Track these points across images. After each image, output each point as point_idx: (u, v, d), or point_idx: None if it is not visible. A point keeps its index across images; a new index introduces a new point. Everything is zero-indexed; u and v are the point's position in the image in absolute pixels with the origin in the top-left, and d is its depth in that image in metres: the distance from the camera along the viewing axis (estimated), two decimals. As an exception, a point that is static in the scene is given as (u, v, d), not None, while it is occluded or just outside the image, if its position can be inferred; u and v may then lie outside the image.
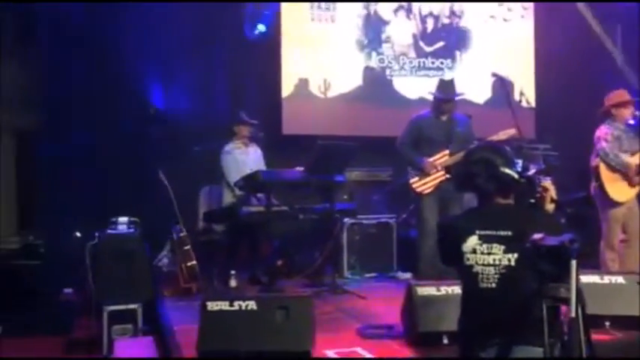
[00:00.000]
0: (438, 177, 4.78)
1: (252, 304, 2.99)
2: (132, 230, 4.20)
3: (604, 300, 3.35)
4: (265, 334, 2.94)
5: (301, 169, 4.61)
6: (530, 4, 7.31)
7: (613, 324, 3.38)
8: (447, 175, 4.71)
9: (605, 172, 4.58)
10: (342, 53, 6.66)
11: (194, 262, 4.58)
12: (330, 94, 6.61)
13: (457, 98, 5.00)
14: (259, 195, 4.86)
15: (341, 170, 4.77)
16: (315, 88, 6.57)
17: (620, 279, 3.57)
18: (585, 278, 3.27)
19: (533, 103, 7.14)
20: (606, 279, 3.57)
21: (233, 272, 4.69)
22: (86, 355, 4.01)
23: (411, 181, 4.85)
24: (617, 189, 4.55)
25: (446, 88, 4.98)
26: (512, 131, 4.59)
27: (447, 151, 4.82)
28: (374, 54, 6.77)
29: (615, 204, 4.55)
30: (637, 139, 4.67)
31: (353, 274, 5.38)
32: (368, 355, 3.09)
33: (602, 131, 4.66)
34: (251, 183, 4.57)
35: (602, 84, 5.88)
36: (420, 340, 3.15)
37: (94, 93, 5.61)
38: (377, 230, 5.54)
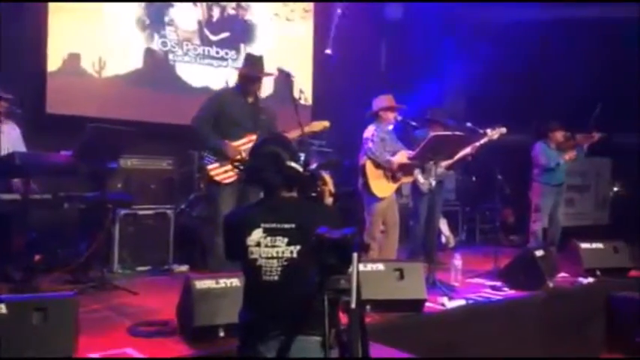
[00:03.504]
0: (241, 165, 4.10)
1: (1, 307, 2.56)
2: None
3: (366, 286, 3.62)
4: (18, 341, 2.55)
5: (68, 152, 4.14)
6: (311, 7, 7.70)
7: (373, 307, 3.68)
8: None
9: (370, 170, 5.01)
10: (121, 31, 6.18)
11: None
12: (106, 73, 6.09)
13: (265, 77, 4.52)
14: (15, 180, 4.23)
15: (115, 156, 4.40)
16: (88, 66, 5.98)
17: (380, 266, 3.90)
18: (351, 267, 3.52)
19: (310, 101, 7.54)
20: (369, 267, 3.86)
21: (-24, 270, 4.00)
22: None
23: (210, 167, 4.20)
24: (380, 186, 5.02)
25: (255, 64, 4.45)
26: (322, 125, 4.47)
27: (254, 136, 4.23)
28: (156, 36, 6.43)
29: (378, 199, 5.01)
30: (397, 141, 5.23)
31: (124, 268, 5.03)
32: (139, 356, 2.89)
33: (369, 132, 5.09)
34: (5, 166, 3.93)
35: (369, 87, 6.47)
36: (195, 335, 3.05)
37: None
38: (153, 221, 5.26)
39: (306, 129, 4.20)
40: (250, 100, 4.37)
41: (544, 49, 7.94)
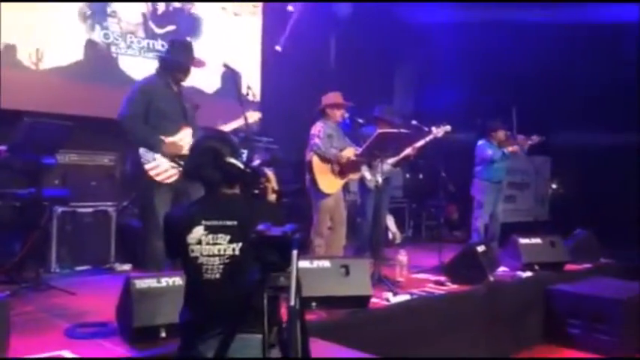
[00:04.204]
0: (181, 160, 3.85)
1: None
2: None
3: (312, 283, 3.64)
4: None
5: (2, 147, 3.95)
6: (260, 2, 7.63)
7: (319, 304, 3.69)
8: None
9: (317, 166, 5.01)
10: (60, 22, 5.93)
11: None
12: (44, 65, 5.84)
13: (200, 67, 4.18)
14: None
15: (52, 152, 4.22)
16: (24, 57, 5.71)
17: (326, 263, 3.90)
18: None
19: (258, 97, 7.48)
20: (315, 263, 3.86)
21: None
22: None
23: (148, 167, 3.82)
24: (327, 182, 5.02)
25: (186, 51, 4.09)
26: (256, 115, 4.27)
27: (188, 129, 3.95)
28: (98, 27, 6.21)
29: (325, 195, 5.01)
30: (345, 138, 5.25)
31: (62, 267, 4.85)
32: (75, 358, 2.79)
33: (317, 128, 5.09)
34: None
35: (318, 84, 6.48)
36: (135, 336, 2.96)
37: None
38: (94, 219, 5.10)
39: (239, 122, 4.05)
40: (176, 89, 4.03)
41: (487, 50, 8.16)
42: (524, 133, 6.32)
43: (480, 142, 6.44)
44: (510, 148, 6.27)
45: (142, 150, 3.84)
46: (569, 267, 5.72)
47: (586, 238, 6.20)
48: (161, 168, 3.86)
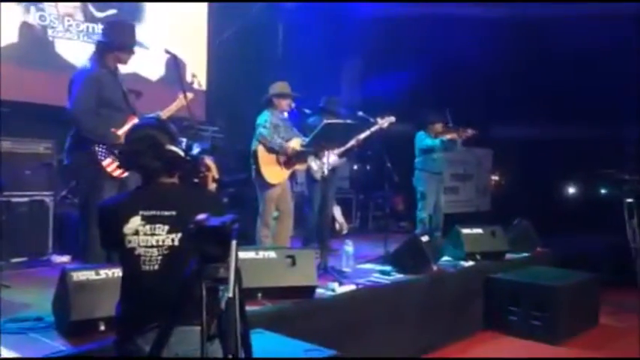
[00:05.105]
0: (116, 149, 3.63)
1: None
2: None
3: (257, 273, 3.62)
4: None
5: None
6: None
7: (265, 294, 3.66)
8: None
9: (262, 156, 4.96)
10: (-7, 2, 5.64)
11: None
12: (-26, 47, 5.54)
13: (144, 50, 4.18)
14: None
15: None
16: (-48, 38, 5.41)
17: (272, 254, 3.87)
18: (243, 254, 3.45)
19: (204, 86, 7.34)
20: (260, 254, 3.83)
21: None
22: None
23: (105, 163, 3.66)
24: (272, 172, 4.98)
25: (127, 29, 3.89)
26: (189, 96, 4.06)
27: (135, 119, 3.74)
28: (33, 9, 5.94)
29: (270, 186, 4.98)
30: (292, 128, 5.23)
31: (-4, 260, 4.63)
32: (8, 354, 2.67)
33: (263, 118, 5.04)
34: None
35: (265, 73, 6.41)
36: (72, 330, 2.87)
37: None
38: (29, 209, 4.88)
39: (176, 104, 3.98)
40: (114, 75, 3.85)
41: (432, 44, 8.29)
42: (466, 125, 6.46)
43: (419, 134, 6.55)
44: (449, 136, 6.39)
45: (97, 147, 3.66)
46: (508, 256, 5.91)
47: (524, 228, 6.41)
48: (116, 163, 3.63)
